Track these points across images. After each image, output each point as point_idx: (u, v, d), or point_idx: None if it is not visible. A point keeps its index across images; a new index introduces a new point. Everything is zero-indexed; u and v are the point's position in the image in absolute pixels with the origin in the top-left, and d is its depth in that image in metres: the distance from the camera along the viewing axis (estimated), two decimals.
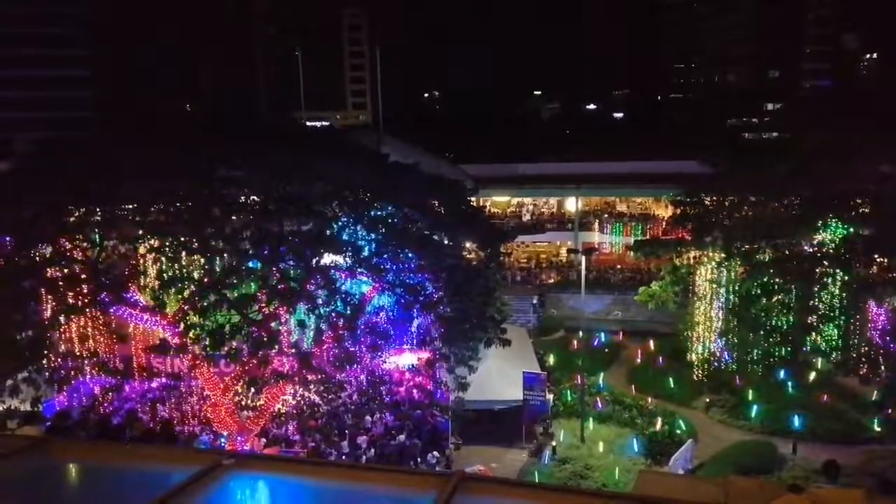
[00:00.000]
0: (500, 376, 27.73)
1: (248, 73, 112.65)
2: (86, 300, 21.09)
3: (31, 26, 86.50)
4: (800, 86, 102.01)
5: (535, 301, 43.10)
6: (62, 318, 21.76)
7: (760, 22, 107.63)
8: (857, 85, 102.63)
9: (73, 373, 22.61)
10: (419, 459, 24.54)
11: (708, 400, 30.41)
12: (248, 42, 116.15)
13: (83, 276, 21.19)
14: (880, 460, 24.58)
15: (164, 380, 26.86)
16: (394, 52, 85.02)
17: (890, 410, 26.60)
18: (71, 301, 21.12)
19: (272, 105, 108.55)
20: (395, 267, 23.87)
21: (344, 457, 24.12)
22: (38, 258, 21.64)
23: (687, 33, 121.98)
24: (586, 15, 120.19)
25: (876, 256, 26.67)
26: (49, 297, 21.70)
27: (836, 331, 28.03)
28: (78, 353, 23.50)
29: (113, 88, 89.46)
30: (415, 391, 28.14)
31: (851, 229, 28.28)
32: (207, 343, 20.47)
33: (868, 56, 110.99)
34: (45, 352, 21.22)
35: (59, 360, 22.18)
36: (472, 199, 42.52)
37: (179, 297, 21.78)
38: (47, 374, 21.28)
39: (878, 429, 26.56)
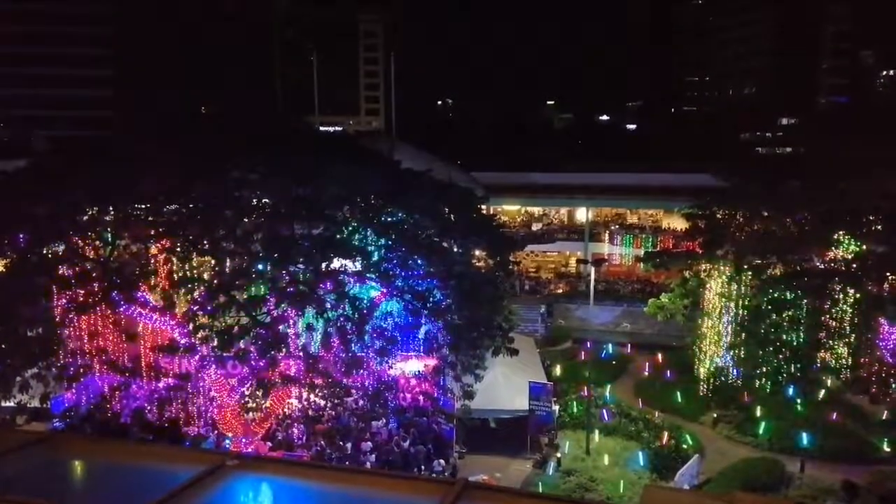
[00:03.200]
0: (506, 385, 27.66)
1: (264, 75, 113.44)
2: (96, 298, 21.24)
3: (54, 25, 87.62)
4: (815, 101, 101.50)
5: (543, 311, 42.99)
6: (72, 316, 21.92)
7: (776, 36, 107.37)
8: (873, 101, 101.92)
9: (82, 370, 22.73)
10: (423, 467, 24.50)
11: (715, 415, 30.18)
12: (264, 45, 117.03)
13: (94, 274, 21.34)
14: (889, 481, 24.29)
15: (171, 380, 26.98)
16: (408, 60, 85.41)
17: None
18: (82, 299, 21.28)
19: (286, 109, 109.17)
20: (403, 273, 23.90)
21: (347, 461, 24.12)
22: (50, 255, 21.82)
23: (701, 47, 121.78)
24: (601, 26, 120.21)
25: (888, 274, 26.44)
26: (60, 294, 21.88)
27: (846, 348, 27.80)
28: (87, 351, 23.64)
29: (132, 89, 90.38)
30: (420, 398, 28.11)
31: (864, 246, 28.08)
32: (216, 344, 20.55)
33: (885, 73, 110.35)
34: (55, 348, 21.36)
35: (69, 357, 22.32)
36: (483, 206, 42.52)
37: (189, 297, 21.89)
38: (56, 370, 21.42)
39: (887, 449, 26.26)
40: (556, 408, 28.51)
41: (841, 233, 28.64)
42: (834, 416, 28.72)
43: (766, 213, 31.69)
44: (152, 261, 23.76)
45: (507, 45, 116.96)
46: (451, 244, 26.12)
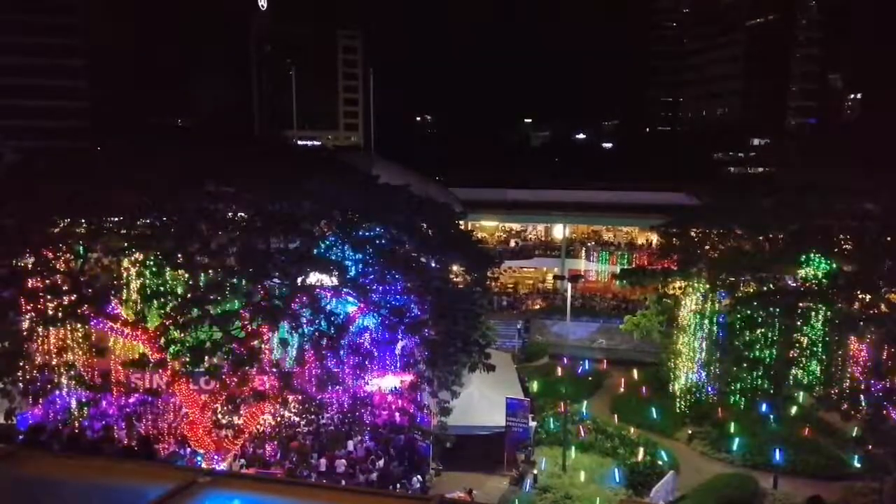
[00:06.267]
0: (483, 402, 27.56)
1: (243, 90, 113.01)
2: (66, 311, 20.79)
3: (27, 35, 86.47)
4: (786, 122, 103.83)
5: (520, 326, 43.04)
6: (40, 330, 21.42)
7: (749, 59, 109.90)
8: (841, 123, 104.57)
9: (49, 385, 22.18)
10: (399, 484, 24.24)
11: (690, 431, 30.34)
12: (244, 59, 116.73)
13: (65, 286, 20.92)
14: (860, 496, 24.58)
15: (141, 395, 26.45)
16: (387, 76, 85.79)
17: (870, 446, 26.69)
18: (50, 312, 20.82)
19: (265, 123, 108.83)
20: (380, 288, 23.78)
21: (320, 477, 23.76)
22: (19, 267, 21.36)
23: (676, 68, 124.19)
24: (579, 45, 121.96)
25: (858, 292, 26.91)
26: (29, 307, 21.38)
27: (818, 365, 28.18)
28: (55, 366, 23.06)
29: (107, 100, 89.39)
30: (397, 415, 27.87)
31: (835, 265, 28.57)
32: (187, 359, 20.21)
33: (852, 96, 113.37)
34: (22, 363, 20.83)
35: (36, 371, 21.76)
36: (461, 222, 42.61)
37: (161, 311, 21.53)
38: (22, 385, 20.88)
39: (857, 465, 26.60)
40: (532, 424, 28.44)
41: (812, 251, 29.12)
42: (806, 433, 29.05)
43: (738, 232, 32.14)
44: (124, 274, 23.37)
45: (486, 63, 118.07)
46: (429, 259, 26.10)
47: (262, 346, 21.80)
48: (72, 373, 23.33)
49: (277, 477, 21.38)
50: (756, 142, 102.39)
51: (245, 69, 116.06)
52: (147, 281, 22.72)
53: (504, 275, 49.57)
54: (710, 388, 31.46)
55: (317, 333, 21.39)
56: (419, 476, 24.59)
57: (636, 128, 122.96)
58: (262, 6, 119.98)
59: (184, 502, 5.52)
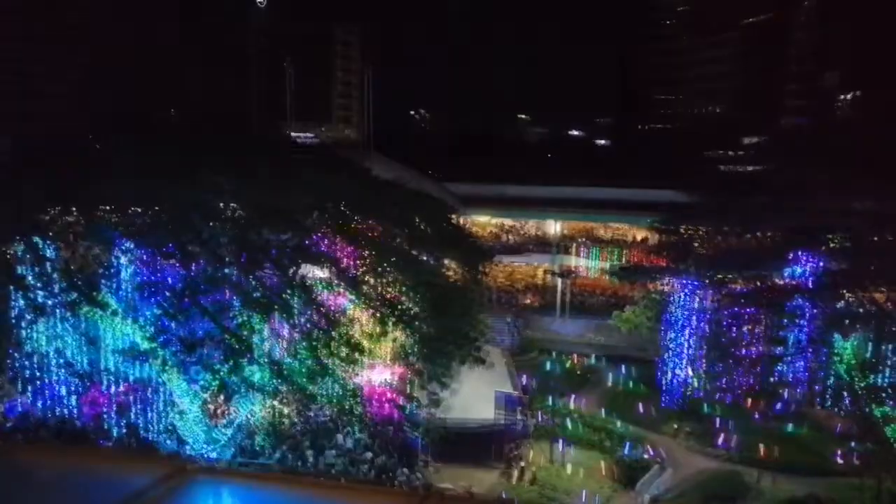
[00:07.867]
0: (474, 396, 27.70)
1: (239, 84, 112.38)
2: (56, 300, 20.77)
3: (27, 30, 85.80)
4: (778, 121, 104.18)
5: (512, 322, 43.14)
6: (30, 318, 21.39)
7: (743, 57, 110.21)
8: (835, 122, 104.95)
9: (38, 374, 22.16)
10: (389, 474, 24.34)
11: (677, 426, 30.58)
12: (241, 54, 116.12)
13: (55, 275, 20.89)
14: (846, 492, 24.83)
15: (131, 385, 26.45)
16: (384, 71, 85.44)
17: (855, 443, 26.98)
18: (41, 300, 20.79)
19: (260, 115, 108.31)
20: (373, 281, 23.84)
21: (312, 469, 23.83)
22: (9, 255, 21.30)
23: (670, 66, 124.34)
24: (573, 42, 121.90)
25: (845, 291, 27.15)
26: (18, 295, 21.34)
27: (804, 362, 28.45)
28: (45, 354, 23.03)
29: (102, 91, 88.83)
30: (387, 406, 27.94)
31: (822, 263, 28.79)
32: (179, 349, 20.24)
33: (844, 96, 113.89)
34: (11, 351, 20.80)
35: (25, 360, 21.73)
36: (455, 217, 42.62)
37: (153, 301, 21.53)
38: (11, 374, 20.87)
39: (840, 461, 26.87)
40: (522, 417, 28.60)
41: (801, 250, 29.30)
42: (792, 428, 29.32)
43: (726, 229, 32.29)
44: (115, 263, 23.34)
45: (481, 59, 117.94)
46: (423, 254, 26.17)
47: (254, 336, 21.83)
48: (62, 361, 23.33)
49: (267, 466, 21.47)
50: (750, 140, 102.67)
51: (242, 63, 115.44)
52: (139, 271, 22.70)
53: (497, 270, 49.64)
54: (697, 384, 31.69)
55: (309, 325, 21.46)
56: (410, 468, 24.68)
57: (630, 125, 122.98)
58: (261, 1, 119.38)
59: (172, 490, 5.60)
